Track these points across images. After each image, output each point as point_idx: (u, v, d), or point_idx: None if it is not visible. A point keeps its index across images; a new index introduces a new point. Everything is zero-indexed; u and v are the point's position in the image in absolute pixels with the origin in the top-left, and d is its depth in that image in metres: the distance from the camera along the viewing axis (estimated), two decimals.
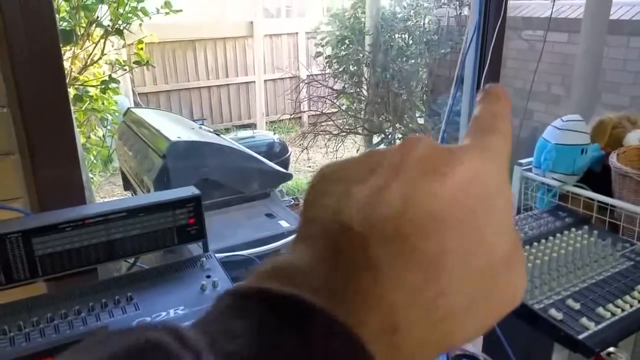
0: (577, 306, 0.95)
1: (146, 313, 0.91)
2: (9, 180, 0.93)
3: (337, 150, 4.88)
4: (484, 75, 1.32)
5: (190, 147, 2.19)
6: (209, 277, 1.00)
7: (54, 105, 0.94)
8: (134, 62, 3.10)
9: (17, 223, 0.92)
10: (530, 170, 1.46)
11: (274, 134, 3.83)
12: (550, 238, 1.17)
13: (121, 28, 3.11)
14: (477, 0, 1.30)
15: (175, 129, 2.43)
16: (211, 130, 2.73)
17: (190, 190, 1.06)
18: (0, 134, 0.90)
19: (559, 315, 0.93)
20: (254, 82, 7.89)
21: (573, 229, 1.21)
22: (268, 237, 1.93)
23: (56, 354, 0.77)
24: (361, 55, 4.74)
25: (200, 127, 2.71)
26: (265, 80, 7.94)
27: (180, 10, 3.50)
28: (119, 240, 0.99)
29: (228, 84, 7.72)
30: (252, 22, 7.57)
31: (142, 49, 3.20)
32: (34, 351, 0.78)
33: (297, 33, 7.85)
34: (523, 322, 0.96)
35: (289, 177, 2.71)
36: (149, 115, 2.82)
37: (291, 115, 6.97)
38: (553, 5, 2.49)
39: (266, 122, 7.71)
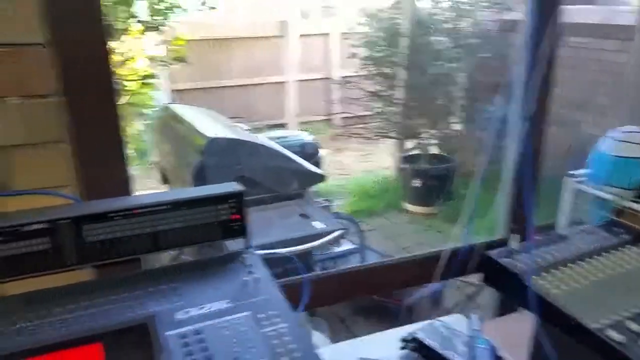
0: (639, 329, 0.91)
1: (191, 304, 0.91)
2: (59, 167, 0.95)
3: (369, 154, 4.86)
4: (536, 83, 1.29)
5: (227, 145, 2.21)
6: (251, 273, 1.01)
7: (101, 96, 0.96)
8: (173, 59, 3.15)
9: (68, 209, 0.94)
10: (582, 182, 1.41)
11: (309, 134, 3.84)
12: (606, 255, 1.13)
13: (157, 25, 3.16)
14: (530, 3, 1.27)
15: (212, 126, 2.46)
16: (248, 128, 2.76)
17: (232, 187, 1.07)
18: (52, 122, 0.91)
19: (619, 338, 0.89)
20: (287, 82, 7.91)
21: (631, 247, 1.16)
22: (303, 237, 1.93)
23: (106, 339, 0.79)
24: (397, 57, 4.70)
25: (236, 125, 2.74)
26: (297, 81, 7.95)
27: (214, 8, 3.54)
28: (163, 232, 1.00)
29: (261, 84, 7.76)
30: (285, 22, 7.60)
31: (181, 45, 3.25)
32: (85, 334, 0.79)
33: (330, 34, 7.85)
34: (577, 341, 0.93)
35: (323, 178, 2.71)
36: (186, 112, 2.86)
37: (323, 116, 6.97)
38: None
39: (297, 123, 7.73)
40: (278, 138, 3.83)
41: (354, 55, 5.25)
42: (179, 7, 3.06)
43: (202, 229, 1.03)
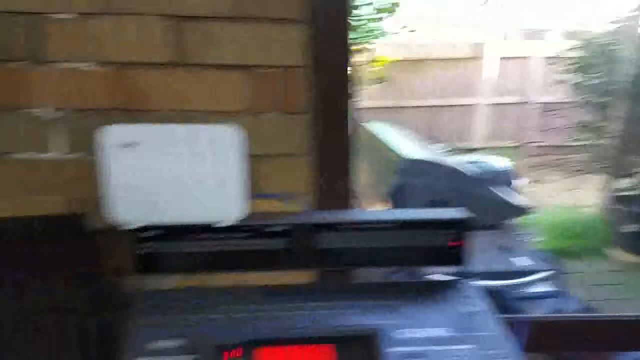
0: None
1: (412, 325, 0.91)
2: (299, 177, 1.02)
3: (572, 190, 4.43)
4: None
5: (425, 166, 2.20)
6: (473, 305, 0.97)
7: (338, 113, 1.01)
8: (373, 79, 3.25)
9: (305, 216, 1.01)
10: None
11: (509, 161, 3.63)
12: None
13: (360, 48, 3.29)
14: None
15: (408, 145, 2.47)
16: (444, 151, 2.71)
17: (459, 212, 1.04)
18: (301, 136, 0.99)
19: None
20: (477, 104, 7.66)
21: None
22: (502, 273, 1.82)
23: (338, 342, 0.82)
24: (615, 85, 4.22)
25: (433, 148, 2.71)
26: (490, 104, 7.65)
27: (414, 30, 3.56)
28: (385, 249, 1.01)
29: (449, 105, 7.63)
30: (481, 44, 7.38)
31: (380, 66, 3.34)
32: (319, 334, 0.84)
33: (531, 57, 7.41)
34: None
35: (524, 211, 2.53)
36: (380, 130, 2.92)
37: (514, 142, 6.58)
38: None
39: (484, 148, 7.41)
40: (470, 162, 3.71)
41: (560, 82, 4.86)
42: (380, 30, 3.16)
43: (421, 251, 1.02)
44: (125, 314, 0.87)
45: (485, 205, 2.19)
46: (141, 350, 0.82)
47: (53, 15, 0.89)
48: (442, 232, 1.01)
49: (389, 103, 7.16)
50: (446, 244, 1.02)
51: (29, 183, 0.99)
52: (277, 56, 0.93)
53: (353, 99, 1.01)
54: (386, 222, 1.00)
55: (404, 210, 1.05)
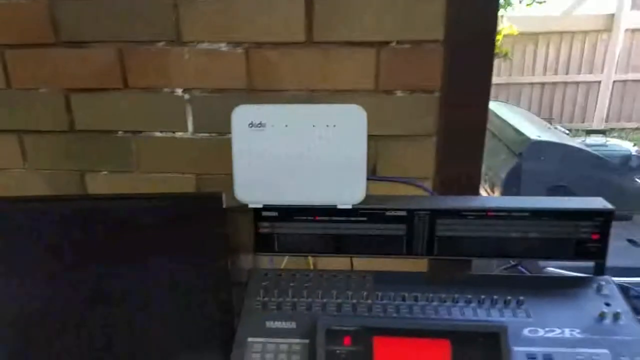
0: None
1: (538, 323, 0.85)
2: (425, 160, 0.98)
3: None
4: None
5: (550, 149, 2.04)
6: (608, 304, 0.89)
7: (478, 91, 0.95)
8: (500, 54, 3.07)
9: (425, 201, 0.97)
10: None
11: (634, 145, 3.29)
12: None
13: None
14: None
15: (528, 126, 2.31)
16: (567, 132, 2.51)
17: (600, 203, 0.95)
18: (428, 116, 0.94)
19: None
20: (599, 81, 7.05)
21: None
22: (631, 269, 1.65)
23: (455, 338, 0.79)
24: None
25: (555, 128, 2.52)
26: (614, 81, 7.01)
27: (544, 1, 3.31)
28: (514, 239, 0.95)
29: (566, 82, 7.09)
30: (613, 15, 6.72)
31: (501, 38, 3.15)
32: (435, 328, 0.81)
33: None
34: None
35: None
36: (497, 109, 2.76)
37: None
38: None
39: (606, 128, 6.83)
40: (595, 145, 3.41)
41: None
42: (505, 2, 2.95)
43: (555, 243, 0.95)
44: (242, 293, 0.90)
45: (617, 194, 2.00)
46: (256, 330, 0.84)
47: None
48: (577, 223, 0.93)
49: (503, 79, 6.80)
50: (582, 236, 0.94)
51: (168, 161, 1.05)
52: (413, 30, 0.89)
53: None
54: (516, 210, 0.93)
55: (535, 198, 0.97)
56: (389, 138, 0.97)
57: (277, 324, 0.86)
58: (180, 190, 1.05)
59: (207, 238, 0.93)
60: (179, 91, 0.99)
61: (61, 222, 0.94)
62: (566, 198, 0.96)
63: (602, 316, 0.85)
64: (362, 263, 1.01)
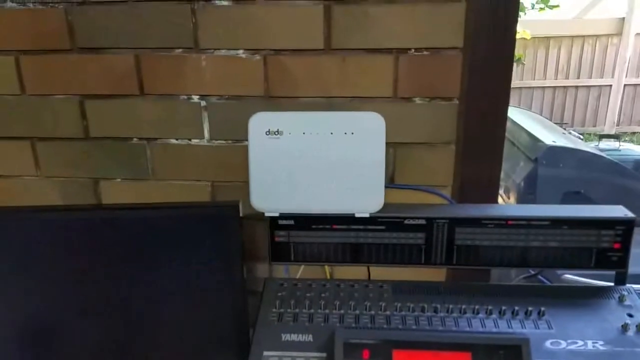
0: None
1: (560, 335, 0.83)
2: (444, 168, 0.97)
3: None
4: None
5: (566, 154, 2.02)
6: (631, 315, 0.87)
7: (496, 100, 0.93)
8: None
9: (444, 209, 0.96)
10: None
11: None
12: None
13: None
14: None
15: (543, 131, 2.28)
16: (580, 137, 2.48)
17: (621, 211, 0.93)
18: (447, 123, 0.93)
19: None
20: (610, 85, 7.00)
21: None
22: None
23: (476, 350, 0.77)
24: None
25: (570, 133, 2.49)
26: (625, 85, 6.96)
27: (557, 6, 3.28)
28: (534, 248, 0.93)
29: (577, 86, 7.05)
30: (623, 19, 6.67)
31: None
32: (456, 341, 0.79)
33: None
34: None
35: None
36: (511, 114, 2.73)
37: None
38: None
39: (616, 132, 6.77)
40: (608, 150, 3.37)
41: None
42: (520, 8, 2.93)
43: (575, 252, 0.93)
44: (257, 302, 0.89)
45: (632, 198, 1.97)
46: (271, 343, 0.83)
47: (209, 2, 0.91)
48: (598, 232, 0.91)
49: (515, 83, 6.76)
50: (603, 245, 0.92)
51: (183, 168, 1.04)
52: (432, 38, 0.88)
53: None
54: (536, 219, 0.92)
55: (555, 206, 0.95)
56: (408, 145, 0.96)
57: (294, 337, 0.84)
58: (195, 198, 1.04)
59: (222, 247, 0.92)
60: (196, 98, 0.99)
61: (75, 231, 0.93)
62: (587, 206, 0.94)
63: (625, 328, 0.84)
64: (380, 272, 0.99)
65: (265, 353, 0.81)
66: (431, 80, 0.89)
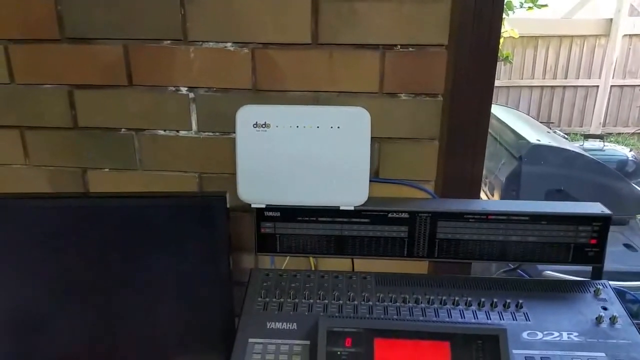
0: None
1: (537, 327, 0.86)
2: (427, 163, 0.99)
3: None
4: None
5: (550, 153, 2.05)
6: (605, 309, 0.90)
7: (481, 96, 0.96)
8: (501, 57, 3.08)
9: (427, 204, 0.98)
10: None
11: (630, 150, 3.31)
12: None
13: None
14: None
15: (528, 130, 2.32)
16: (565, 136, 2.53)
17: (598, 208, 0.96)
18: (431, 120, 0.95)
19: None
20: (597, 86, 7.08)
21: None
22: (627, 273, 1.67)
23: (455, 340, 0.80)
24: None
25: (555, 132, 2.53)
26: (611, 86, 7.04)
27: (546, 5, 3.31)
28: (513, 242, 0.96)
29: (565, 86, 7.12)
30: (611, 20, 6.75)
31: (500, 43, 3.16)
32: (436, 330, 0.81)
33: None
34: None
35: None
36: (497, 112, 2.77)
37: (636, 128, 6.01)
38: None
39: (602, 133, 6.86)
40: (592, 150, 3.42)
41: None
42: (507, 5, 2.95)
43: (553, 248, 0.96)
44: (243, 293, 0.91)
45: (615, 199, 2.01)
46: (256, 331, 0.85)
47: None
48: (575, 227, 0.94)
49: (503, 82, 6.81)
50: (580, 241, 0.95)
51: (170, 159, 1.05)
52: (418, 35, 0.89)
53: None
54: (516, 214, 0.94)
55: (535, 202, 0.98)
56: (393, 140, 0.98)
57: (278, 325, 0.86)
58: (182, 189, 1.06)
59: (209, 237, 0.93)
60: (184, 89, 1.00)
61: (62, 220, 0.94)
62: (565, 203, 0.97)
63: (599, 320, 0.87)
64: (363, 264, 1.01)
65: (251, 340, 0.83)
66: (416, 77, 0.91)
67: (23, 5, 0.98)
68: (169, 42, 0.96)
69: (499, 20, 0.90)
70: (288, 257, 1.02)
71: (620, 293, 0.96)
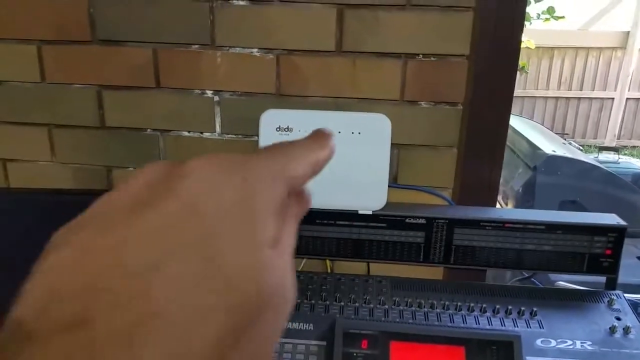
0: None
1: (550, 335, 0.87)
2: (445, 170, 1.00)
3: None
4: None
5: (565, 164, 2.06)
6: (619, 319, 0.90)
7: (500, 105, 0.97)
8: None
9: (444, 210, 0.99)
10: None
11: None
12: None
13: None
14: None
15: (544, 141, 2.33)
16: (580, 148, 2.53)
17: (614, 219, 0.97)
18: (451, 127, 0.97)
19: None
20: (612, 99, 7.03)
21: None
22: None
23: (470, 345, 0.81)
24: None
25: (570, 143, 2.53)
26: (627, 99, 6.99)
27: (563, 17, 3.32)
28: (529, 251, 0.97)
29: (580, 98, 7.08)
30: (628, 33, 6.71)
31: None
32: (451, 335, 0.82)
33: None
34: None
35: None
36: (513, 122, 2.77)
37: None
38: None
39: (617, 146, 6.80)
40: (607, 162, 3.41)
41: None
42: (526, 17, 2.97)
43: (568, 257, 0.97)
44: None
45: (630, 211, 2.01)
46: None
47: (227, 1, 0.95)
48: (590, 238, 0.95)
49: (518, 92, 6.80)
50: (595, 251, 0.96)
51: None
52: (439, 44, 0.91)
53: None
54: (532, 223, 0.95)
55: (551, 212, 0.99)
56: (412, 147, 0.99)
57: (295, 325, 0.88)
58: None
59: None
60: (209, 93, 1.02)
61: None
62: (581, 213, 0.98)
63: (612, 330, 0.87)
64: (379, 268, 1.03)
65: None
66: (437, 85, 0.93)
67: (56, 7, 1.02)
68: (197, 46, 0.99)
69: (520, 31, 0.91)
70: (305, 259, 1.04)
71: (635, 305, 0.97)
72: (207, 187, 0.20)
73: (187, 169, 0.20)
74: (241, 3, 0.95)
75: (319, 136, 0.27)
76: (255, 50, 0.98)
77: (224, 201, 0.20)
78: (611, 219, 0.97)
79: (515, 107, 6.91)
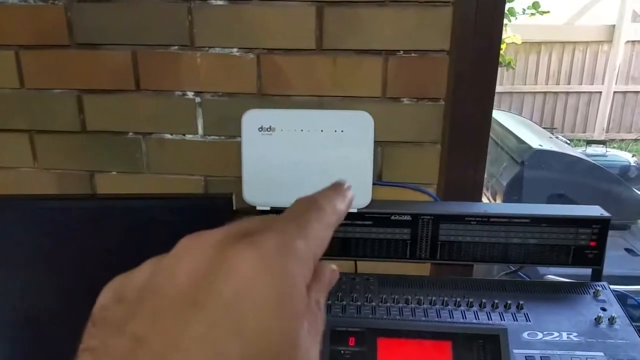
0: None
1: (537, 327, 0.87)
2: (430, 166, 1.01)
3: None
4: None
5: (551, 158, 2.07)
6: (604, 310, 0.91)
7: (482, 100, 0.97)
8: (503, 63, 3.10)
9: (429, 206, 0.99)
10: None
11: (632, 156, 3.31)
12: None
13: None
14: None
15: (531, 135, 2.34)
16: (567, 141, 2.54)
17: (597, 211, 0.98)
18: (434, 123, 0.97)
19: None
20: (600, 92, 7.08)
21: None
22: (628, 277, 1.67)
23: (457, 339, 0.81)
24: None
25: (557, 137, 2.55)
26: (614, 92, 7.05)
27: (548, 12, 3.33)
28: (514, 245, 0.97)
29: (567, 92, 7.13)
30: (613, 26, 6.76)
31: (502, 49, 3.18)
32: (438, 330, 0.82)
33: None
34: None
35: None
36: (499, 117, 2.79)
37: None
38: None
39: (605, 139, 6.85)
40: (595, 155, 3.44)
41: None
42: (509, 11, 2.98)
43: (553, 250, 0.97)
44: None
45: (617, 204, 2.03)
46: None
47: (205, 1, 0.94)
48: (575, 230, 0.95)
49: (506, 88, 6.83)
50: (580, 243, 0.96)
51: (177, 162, 1.07)
52: (420, 40, 0.91)
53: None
54: (517, 217, 0.96)
55: (536, 205, 0.99)
56: (395, 144, 0.99)
57: None
58: (189, 192, 1.07)
59: None
60: (191, 94, 1.02)
61: (69, 221, 0.95)
62: (565, 206, 0.99)
63: (598, 320, 0.88)
64: (366, 266, 1.03)
65: None
66: (419, 82, 0.93)
67: (33, 11, 1.01)
68: (176, 47, 0.99)
69: (500, 26, 0.91)
70: None
71: (621, 297, 0.98)
72: (248, 287, 0.22)
73: (231, 263, 0.22)
74: (219, 3, 0.94)
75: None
76: (235, 50, 0.97)
77: (263, 300, 0.22)
78: (595, 210, 0.98)
79: (504, 102, 6.95)
